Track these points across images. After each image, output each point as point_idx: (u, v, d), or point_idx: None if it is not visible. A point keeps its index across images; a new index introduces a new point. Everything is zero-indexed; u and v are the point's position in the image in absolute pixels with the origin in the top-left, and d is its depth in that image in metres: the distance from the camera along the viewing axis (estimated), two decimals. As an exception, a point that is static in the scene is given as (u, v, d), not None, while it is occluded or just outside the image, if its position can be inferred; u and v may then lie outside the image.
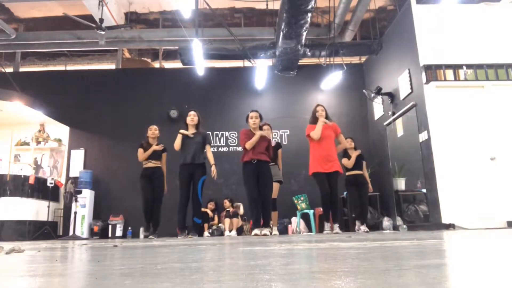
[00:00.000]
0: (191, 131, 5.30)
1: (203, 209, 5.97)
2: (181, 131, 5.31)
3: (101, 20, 6.43)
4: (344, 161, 5.95)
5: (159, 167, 5.58)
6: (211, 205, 7.34)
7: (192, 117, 5.35)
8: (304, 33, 6.16)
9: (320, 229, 6.27)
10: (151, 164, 5.53)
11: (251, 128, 4.89)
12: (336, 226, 5.12)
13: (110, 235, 7.33)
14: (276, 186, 5.43)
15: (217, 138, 8.14)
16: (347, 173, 5.99)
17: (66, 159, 8.16)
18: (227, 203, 7.19)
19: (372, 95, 7.18)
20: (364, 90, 7.51)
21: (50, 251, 2.57)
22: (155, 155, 5.55)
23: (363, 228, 5.55)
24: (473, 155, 5.59)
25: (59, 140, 8.40)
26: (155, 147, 5.52)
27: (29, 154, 8.45)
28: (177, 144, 5.18)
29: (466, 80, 5.88)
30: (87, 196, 7.39)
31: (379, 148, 7.56)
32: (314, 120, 5.25)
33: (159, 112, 8.06)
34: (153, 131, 5.66)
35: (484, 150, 5.60)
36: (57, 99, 8.11)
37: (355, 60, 8.73)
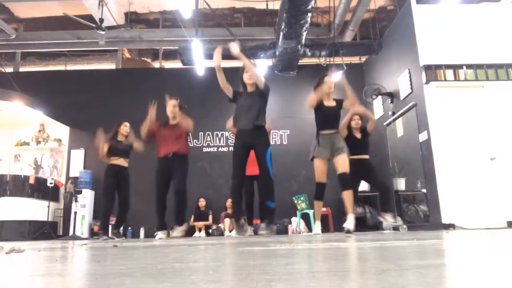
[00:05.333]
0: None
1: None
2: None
3: (101, 20, 6.43)
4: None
5: (126, 167, 5.51)
6: (202, 202, 7.31)
7: (122, 127, 5.60)
8: (304, 33, 6.16)
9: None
10: (118, 162, 5.49)
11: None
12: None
13: (110, 235, 7.31)
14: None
15: (217, 138, 8.14)
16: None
17: (66, 159, 8.16)
18: (228, 203, 7.18)
19: (373, 94, 7.17)
20: (367, 87, 7.46)
21: (50, 251, 2.57)
22: (124, 152, 5.50)
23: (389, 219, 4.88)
24: (473, 155, 5.59)
25: (59, 140, 8.40)
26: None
27: (29, 154, 8.45)
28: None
29: (466, 80, 5.88)
30: (87, 196, 7.40)
31: (379, 148, 7.55)
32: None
33: (159, 112, 8.03)
34: (122, 126, 5.66)
35: (484, 150, 5.60)
36: (57, 99, 8.11)
37: (355, 60, 8.72)
